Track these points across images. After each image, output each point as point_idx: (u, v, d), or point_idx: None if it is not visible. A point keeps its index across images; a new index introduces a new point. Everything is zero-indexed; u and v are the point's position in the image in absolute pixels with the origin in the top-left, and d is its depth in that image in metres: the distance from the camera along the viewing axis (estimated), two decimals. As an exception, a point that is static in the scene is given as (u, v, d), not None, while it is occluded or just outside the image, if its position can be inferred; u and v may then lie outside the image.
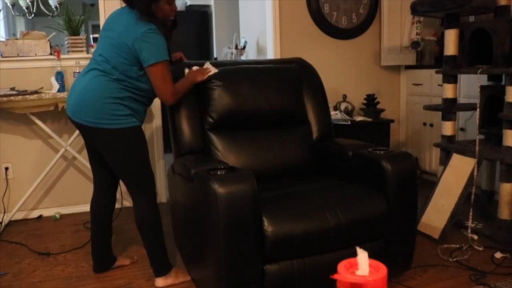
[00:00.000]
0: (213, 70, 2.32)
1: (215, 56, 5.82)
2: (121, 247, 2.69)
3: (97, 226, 2.29)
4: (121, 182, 2.41)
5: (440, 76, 3.08)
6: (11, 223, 3.14)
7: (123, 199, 3.37)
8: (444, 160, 2.92)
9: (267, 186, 2.08)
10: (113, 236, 2.82)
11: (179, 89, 2.14)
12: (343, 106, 3.71)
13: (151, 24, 1.94)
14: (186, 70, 2.32)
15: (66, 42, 3.33)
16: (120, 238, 2.82)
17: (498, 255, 2.41)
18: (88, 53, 3.27)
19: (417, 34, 3.85)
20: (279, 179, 2.30)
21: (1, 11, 4.90)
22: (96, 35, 3.28)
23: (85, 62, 3.21)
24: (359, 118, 3.65)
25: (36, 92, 2.94)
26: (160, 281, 2.16)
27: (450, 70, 2.90)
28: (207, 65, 2.36)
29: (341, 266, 1.07)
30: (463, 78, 3.38)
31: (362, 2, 3.88)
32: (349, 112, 3.69)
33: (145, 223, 2.11)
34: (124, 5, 2.06)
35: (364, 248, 1.10)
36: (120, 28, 1.97)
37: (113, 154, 2.04)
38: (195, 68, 2.33)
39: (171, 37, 2.07)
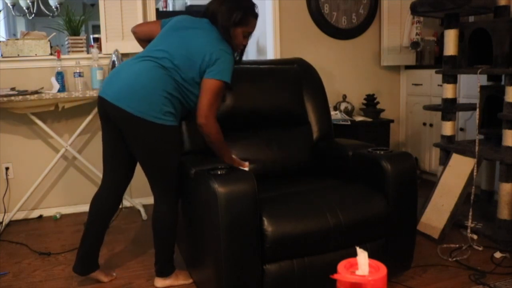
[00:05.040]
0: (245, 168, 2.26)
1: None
2: (121, 247, 2.69)
3: (93, 225, 2.15)
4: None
5: (440, 76, 3.09)
6: (11, 223, 3.14)
7: (123, 199, 3.37)
8: (444, 160, 2.92)
9: (267, 186, 2.09)
10: (112, 236, 2.84)
11: (216, 129, 2.02)
12: (343, 106, 3.71)
13: (230, 46, 2.02)
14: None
15: (66, 42, 3.33)
16: (120, 238, 2.82)
17: (497, 255, 2.41)
18: (88, 53, 3.28)
19: (417, 34, 3.85)
20: (279, 179, 2.30)
21: (2, 11, 4.90)
22: (97, 35, 3.29)
23: (85, 62, 3.22)
24: (359, 118, 3.65)
25: (36, 92, 2.94)
26: (159, 281, 2.16)
27: (450, 70, 2.90)
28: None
29: (341, 266, 1.07)
30: (463, 78, 3.38)
31: (362, 2, 3.89)
32: (349, 112, 3.69)
33: (162, 223, 2.08)
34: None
35: (364, 248, 1.10)
36: (201, 35, 2.01)
37: (149, 149, 1.97)
38: (242, 165, 2.25)
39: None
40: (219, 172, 1.78)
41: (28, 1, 4.53)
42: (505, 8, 2.72)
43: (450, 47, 2.88)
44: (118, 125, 1.99)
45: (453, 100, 2.95)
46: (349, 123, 3.48)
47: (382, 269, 1.04)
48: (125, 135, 1.99)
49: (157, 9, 4.39)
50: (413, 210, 2.07)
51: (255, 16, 2.10)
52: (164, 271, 2.15)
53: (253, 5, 2.10)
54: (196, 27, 2.05)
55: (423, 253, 2.47)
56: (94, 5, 5.55)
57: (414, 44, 3.85)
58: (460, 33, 2.87)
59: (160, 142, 1.97)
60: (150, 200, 2.16)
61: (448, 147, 2.92)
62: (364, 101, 3.84)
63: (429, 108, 3.10)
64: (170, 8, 6.92)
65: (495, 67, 2.64)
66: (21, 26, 6.61)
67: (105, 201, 2.17)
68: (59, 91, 3.01)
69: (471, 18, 3.46)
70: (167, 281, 2.15)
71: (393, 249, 2.04)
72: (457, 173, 2.73)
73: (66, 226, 3.10)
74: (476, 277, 2.18)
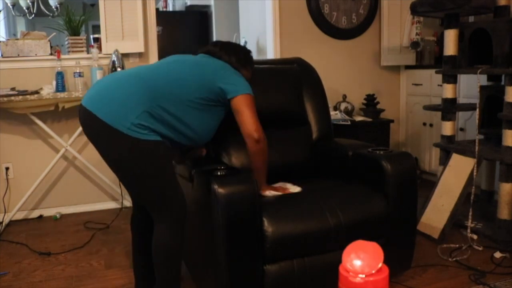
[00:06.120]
0: (293, 189, 2.07)
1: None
2: (121, 246, 2.69)
3: (140, 244, 1.97)
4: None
5: (440, 76, 3.08)
6: (11, 223, 3.14)
7: (123, 199, 3.37)
8: (444, 160, 2.92)
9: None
10: (112, 236, 2.84)
11: (265, 147, 1.93)
12: (343, 106, 3.71)
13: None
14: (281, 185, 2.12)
15: (66, 42, 3.33)
16: (120, 238, 2.82)
17: (497, 254, 2.41)
18: (88, 53, 3.28)
19: (417, 34, 3.86)
20: (279, 179, 2.29)
21: (2, 11, 4.90)
22: (97, 35, 3.29)
23: (85, 62, 3.22)
24: (359, 118, 3.65)
25: (36, 92, 2.95)
26: None
27: (450, 70, 2.90)
28: (289, 186, 2.10)
29: (345, 254, 1.07)
30: (462, 78, 3.38)
31: (362, 2, 3.89)
32: (349, 112, 3.69)
33: (161, 251, 1.78)
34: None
35: (364, 248, 1.10)
36: (210, 67, 1.88)
37: (125, 167, 1.71)
38: (278, 185, 2.12)
39: None
40: (219, 173, 1.78)
41: (28, 1, 4.52)
42: (505, 8, 2.72)
43: (450, 47, 2.88)
44: (89, 136, 1.75)
45: (453, 100, 2.95)
46: (349, 123, 3.48)
47: (384, 269, 1.04)
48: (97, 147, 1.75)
49: (157, 9, 4.40)
50: (413, 210, 2.07)
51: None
52: None
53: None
54: (200, 60, 1.95)
55: (423, 253, 2.47)
56: (94, 5, 5.55)
57: (414, 44, 3.85)
58: (460, 33, 2.87)
59: (140, 161, 1.68)
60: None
61: (448, 147, 2.92)
62: (364, 101, 3.84)
63: (429, 108, 3.10)
64: (170, 8, 6.92)
65: (495, 67, 2.64)
66: (21, 26, 6.60)
67: (144, 220, 1.95)
68: (59, 91, 3.01)
69: (471, 18, 3.46)
70: None
71: (393, 249, 2.03)
72: (457, 173, 2.73)
73: (66, 226, 3.10)
74: (476, 277, 2.18)
